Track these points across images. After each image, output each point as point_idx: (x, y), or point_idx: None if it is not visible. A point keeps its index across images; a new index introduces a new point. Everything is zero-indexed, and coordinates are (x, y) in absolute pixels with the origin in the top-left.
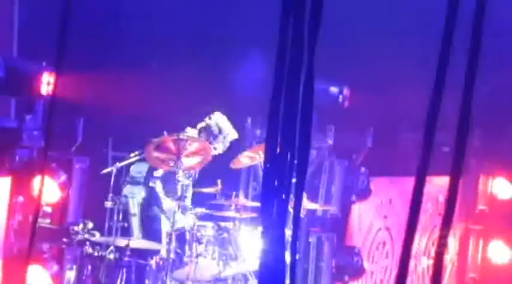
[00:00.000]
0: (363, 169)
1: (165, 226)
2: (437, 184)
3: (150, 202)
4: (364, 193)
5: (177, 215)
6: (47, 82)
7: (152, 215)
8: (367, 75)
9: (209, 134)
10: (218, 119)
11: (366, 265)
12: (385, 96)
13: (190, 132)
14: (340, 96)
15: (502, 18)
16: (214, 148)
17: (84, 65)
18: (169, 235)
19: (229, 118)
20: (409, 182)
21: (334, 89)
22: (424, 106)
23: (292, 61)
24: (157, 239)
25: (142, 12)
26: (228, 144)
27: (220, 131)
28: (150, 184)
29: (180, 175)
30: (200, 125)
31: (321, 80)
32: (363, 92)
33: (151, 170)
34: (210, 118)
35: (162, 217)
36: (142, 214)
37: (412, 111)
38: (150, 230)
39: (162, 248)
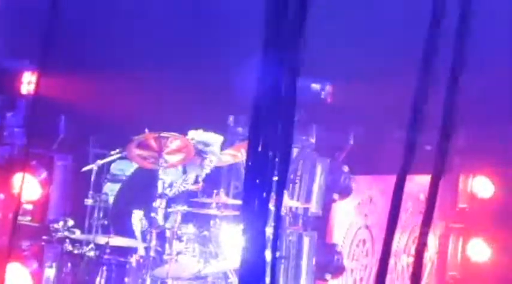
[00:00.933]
0: (344, 167)
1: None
2: (418, 183)
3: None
4: (346, 192)
5: (159, 213)
6: (27, 82)
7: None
8: (351, 72)
9: (197, 152)
10: (195, 137)
11: (346, 263)
12: (369, 94)
13: (196, 134)
14: (323, 93)
15: (484, 19)
16: (211, 161)
17: (67, 63)
18: (150, 232)
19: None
20: (390, 180)
21: (316, 86)
22: (408, 104)
23: (275, 60)
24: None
25: (123, 12)
26: (219, 151)
27: (205, 144)
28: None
29: (161, 173)
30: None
31: (303, 77)
32: (346, 89)
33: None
34: (188, 140)
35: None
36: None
37: (395, 109)
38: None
39: (142, 246)
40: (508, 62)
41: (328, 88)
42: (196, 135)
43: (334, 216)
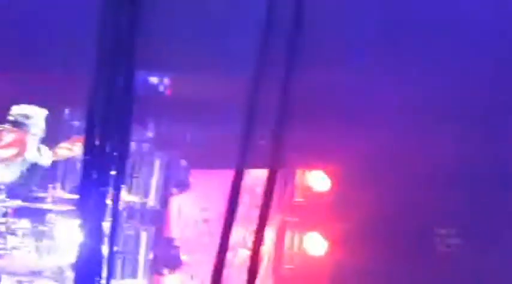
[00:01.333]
0: (183, 161)
1: None
2: (255, 177)
3: None
4: (184, 186)
5: None
6: None
7: None
8: (188, 65)
9: (17, 125)
10: (17, 110)
11: (184, 257)
12: (203, 88)
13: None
14: (161, 86)
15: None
16: (34, 135)
17: None
18: None
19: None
20: (228, 175)
21: (154, 79)
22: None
23: (110, 55)
24: None
25: None
26: (43, 124)
27: (26, 117)
28: None
29: None
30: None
31: (140, 71)
32: (184, 82)
33: None
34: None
35: None
36: None
37: (233, 103)
38: None
39: None
40: (348, 60)
41: (167, 81)
42: (18, 109)
43: (172, 210)
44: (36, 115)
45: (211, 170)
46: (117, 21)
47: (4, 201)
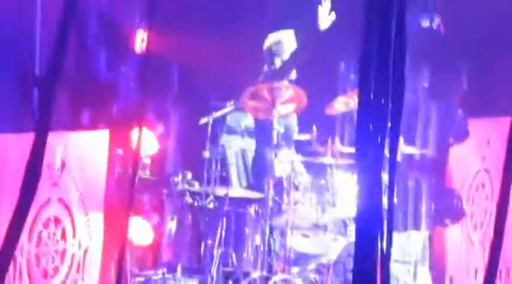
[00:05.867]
0: (459, 110)
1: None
2: None
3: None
4: (462, 135)
5: (275, 163)
6: (141, 39)
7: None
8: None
9: (272, 55)
10: (270, 40)
11: (465, 207)
12: (481, 26)
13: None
14: (434, 24)
15: None
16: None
17: (179, 19)
18: (267, 182)
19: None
20: (508, 122)
21: (425, 22)
22: None
23: (383, 2)
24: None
25: None
26: (293, 46)
27: (278, 43)
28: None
29: (275, 124)
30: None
31: (409, 13)
32: (455, 22)
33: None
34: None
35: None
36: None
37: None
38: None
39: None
40: None
41: (437, 19)
42: (268, 39)
43: (452, 161)
44: (286, 39)
45: (490, 118)
46: None
47: (288, 156)
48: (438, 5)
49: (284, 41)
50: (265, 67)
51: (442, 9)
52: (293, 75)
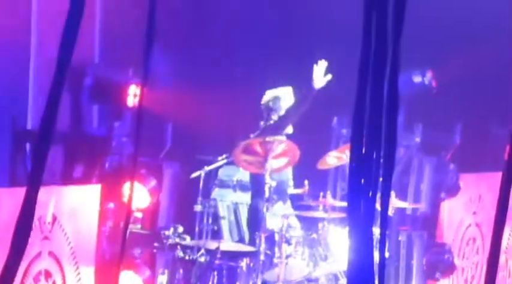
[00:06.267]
0: (451, 165)
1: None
2: None
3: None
4: (454, 190)
5: (267, 216)
6: (133, 94)
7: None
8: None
9: (269, 111)
10: (268, 96)
11: (456, 261)
12: (473, 90)
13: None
14: (426, 79)
15: None
16: (277, 116)
17: (170, 74)
18: (259, 236)
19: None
20: (499, 177)
21: (417, 77)
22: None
23: (376, 58)
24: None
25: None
26: (289, 102)
27: (276, 98)
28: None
29: (267, 178)
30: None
31: (402, 71)
32: (448, 84)
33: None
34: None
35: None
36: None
37: (501, 104)
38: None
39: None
40: None
41: (429, 74)
42: (266, 94)
43: (443, 215)
44: (283, 95)
45: (481, 173)
46: (382, 26)
47: (281, 210)
48: (430, 61)
49: (282, 97)
50: (262, 123)
51: (434, 65)
52: (290, 129)
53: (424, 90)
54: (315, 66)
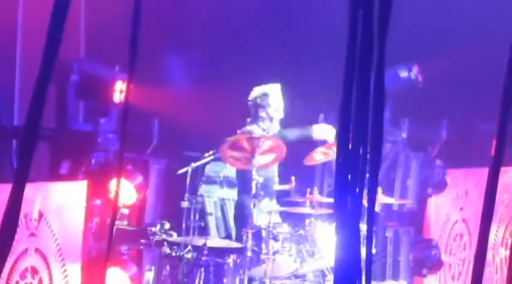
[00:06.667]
0: (438, 161)
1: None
2: None
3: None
4: (440, 186)
5: (254, 213)
6: (119, 90)
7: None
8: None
9: (257, 106)
10: (255, 93)
11: (443, 257)
12: (459, 85)
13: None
14: (412, 74)
15: None
16: (267, 113)
17: (156, 72)
18: (246, 233)
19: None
20: (485, 173)
21: (403, 72)
22: (500, 94)
23: (362, 54)
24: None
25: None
26: (279, 101)
27: (264, 95)
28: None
29: (254, 174)
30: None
31: (388, 66)
32: (434, 80)
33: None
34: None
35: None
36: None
37: (487, 100)
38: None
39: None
40: None
41: (415, 68)
42: (254, 91)
43: (430, 211)
44: (272, 92)
45: (468, 169)
46: (367, 22)
47: (268, 206)
48: (416, 57)
49: (270, 94)
50: (249, 120)
51: (419, 61)
52: (276, 127)
53: (411, 84)
54: (324, 126)
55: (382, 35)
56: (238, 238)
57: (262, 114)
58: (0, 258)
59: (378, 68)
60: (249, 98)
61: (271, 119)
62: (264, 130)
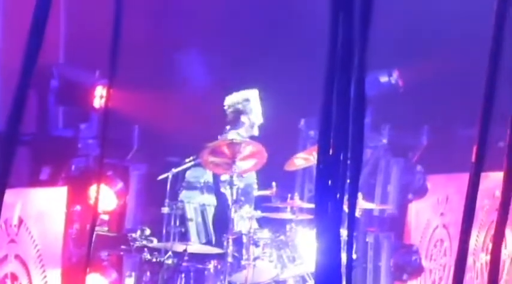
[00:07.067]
0: (418, 167)
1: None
2: (495, 180)
3: (223, 207)
4: (421, 191)
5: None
6: (100, 96)
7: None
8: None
9: (239, 112)
10: (232, 99)
11: (424, 263)
12: (440, 91)
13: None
14: (392, 79)
15: None
16: (249, 119)
17: (136, 75)
18: (226, 238)
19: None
20: (466, 178)
21: (384, 77)
22: (481, 100)
23: (342, 60)
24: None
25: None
26: (259, 106)
27: (245, 100)
28: (222, 189)
29: (235, 179)
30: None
31: (368, 72)
32: (414, 85)
33: (217, 176)
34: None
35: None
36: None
37: (468, 105)
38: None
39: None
40: None
41: (396, 73)
42: (234, 97)
43: (411, 216)
44: (252, 97)
45: (448, 174)
46: (348, 27)
47: (248, 212)
48: (397, 61)
49: (252, 99)
50: (228, 127)
51: (401, 65)
52: (255, 131)
53: (391, 89)
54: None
55: (363, 39)
56: (218, 244)
57: (244, 119)
58: None
59: (359, 73)
60: (227, 104)
61: (252, 125)
62: (243, 137)
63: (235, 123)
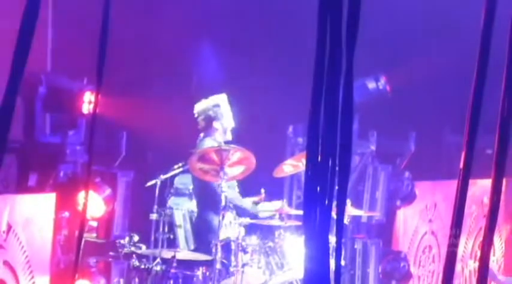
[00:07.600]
0: (406, 173)
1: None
2: (482, 186)
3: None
4: (409, 198)
5: (223, 225)
6: (88, 101)
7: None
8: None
9: (211, 119)
10: (201, 106)
11: (412, 269)
12: (427, 97)
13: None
14: (380, 84)
15: None
16: (222, 124)
17: (124, 82)
18: (215, 245)
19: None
20: (454, 185)
21: (371, 83)
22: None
23: (330, 67)
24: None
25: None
26: (229, 109)
27: (216, 106)
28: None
29: (224, 186)
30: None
31: (355, 77)
32: (402, 92)
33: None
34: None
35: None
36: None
37: (455, 113)
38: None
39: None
40: None
41: (383, 78)
42: (204, 103)
43: (399, 223)
44: (222, 102)
45: (436, 181)
46: (336, 34)
47: (236, 219)
48: (385, 68)
49: (221, 104)
50: (202, 135)
51: (388, 72)
52: (229, 135)
53: (379, 95)
54: (267, 205)
55: (350, 46)
56: (202, 251)
57: (216, 125)
58: None
59: (347, 80)
60: (198, 111)
61: (225, 130)
62: (220, 143)
63: (208, 130)
